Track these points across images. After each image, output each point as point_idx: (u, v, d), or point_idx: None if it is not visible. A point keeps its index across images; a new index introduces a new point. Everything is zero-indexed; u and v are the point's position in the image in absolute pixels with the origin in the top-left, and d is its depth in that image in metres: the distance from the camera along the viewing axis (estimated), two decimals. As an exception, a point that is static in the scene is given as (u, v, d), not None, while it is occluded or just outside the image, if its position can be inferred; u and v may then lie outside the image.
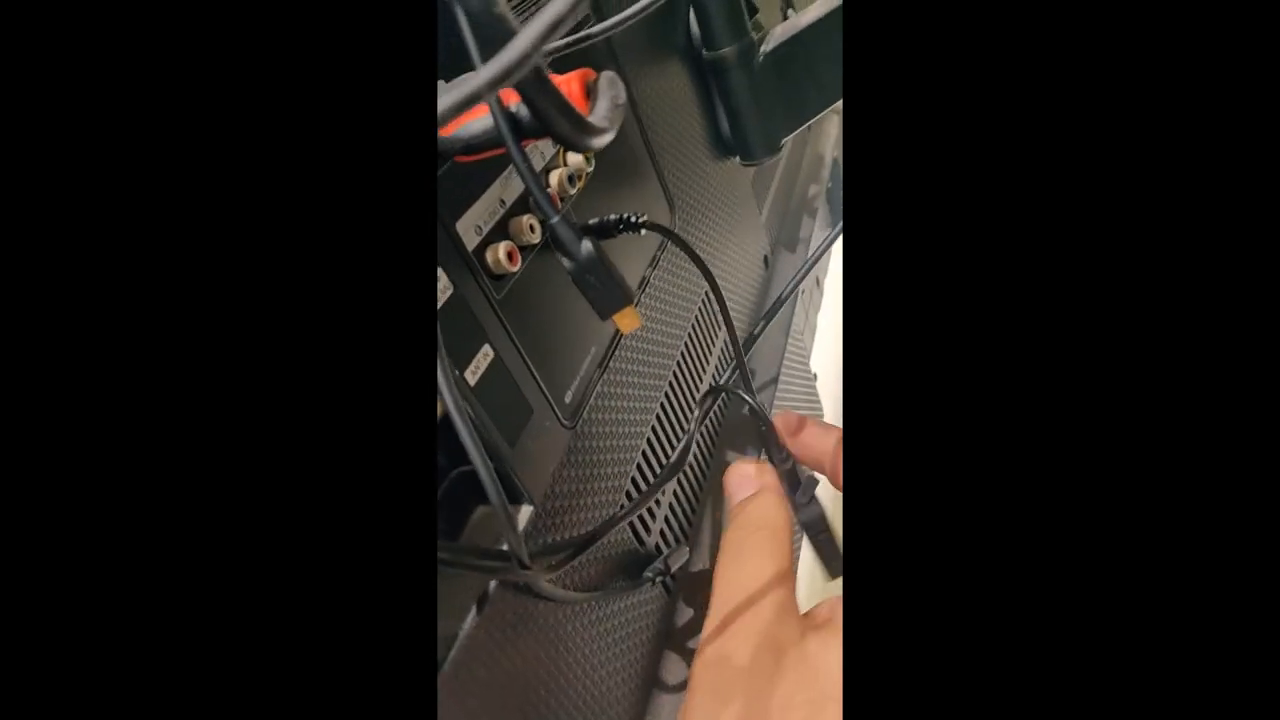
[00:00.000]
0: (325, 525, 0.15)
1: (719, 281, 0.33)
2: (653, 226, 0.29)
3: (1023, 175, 0.15)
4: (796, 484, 0.34)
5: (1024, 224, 0.15)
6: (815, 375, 0.61)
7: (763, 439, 0.33)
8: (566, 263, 0.23)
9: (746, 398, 0.30)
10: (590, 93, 0.20)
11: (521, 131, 0.21)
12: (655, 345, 0.37)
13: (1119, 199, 0.14)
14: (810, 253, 0.60)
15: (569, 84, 0.21)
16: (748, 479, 0.33)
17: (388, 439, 0.15)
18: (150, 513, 0.14)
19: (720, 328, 0.45)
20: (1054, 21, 0.15)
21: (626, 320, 0.24)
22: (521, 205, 0.28)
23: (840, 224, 0.47)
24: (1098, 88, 0.14)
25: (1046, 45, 0.15)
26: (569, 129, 0.18)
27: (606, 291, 0.23)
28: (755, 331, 0.47)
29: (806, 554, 0.37)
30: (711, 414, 0.43)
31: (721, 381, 0.40)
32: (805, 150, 0.66)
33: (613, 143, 0.21)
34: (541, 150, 0.30)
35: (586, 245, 0.23)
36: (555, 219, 0.23)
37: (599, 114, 0.19)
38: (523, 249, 0.27)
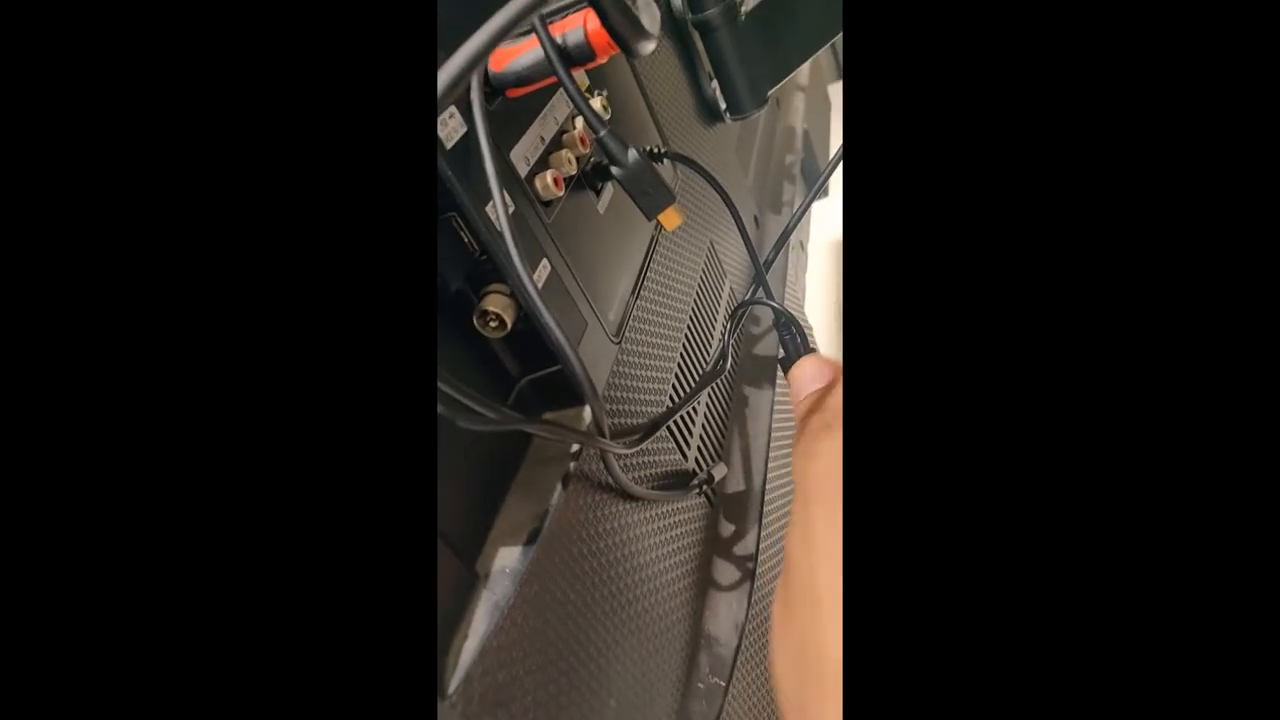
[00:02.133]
0: (325, 514, 0.14)
1: (728, 213, 0.37)
2: (674, 156, 0.32)
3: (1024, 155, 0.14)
4: None
5: (1024, 205, 0.14)
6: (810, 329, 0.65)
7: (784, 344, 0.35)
8: (616, 170, 0.27)
9: (771, 304, 0.34)
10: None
11: (570, 59, 0.25)
12: (675, 285, 0.41)
13: (1120, 195, 0.14)
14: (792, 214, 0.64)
15: None
16: (821, 371, 0.26)
17: (387, 439, 0.14)
18: (167, 479, 0.13)
19: (725, 279, 0.48)
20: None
21: (670, 218, 0.27)
22: (556, 143, 0.31)
23: (813, 191, 0.51)
24: (1095, 98, 0.14)
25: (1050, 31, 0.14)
26: (627, 28, 0.21)
27: (653, 192, 0.26)
28: (767, 258, 0.50)
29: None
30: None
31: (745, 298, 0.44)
32: (777, 124, 0.70)
33: (621, 99, 0.22)
34: (565, 103, 0.33)
35: (633, 153, 0.26)
36: (604, 132, 0.26)
37: (647, 21, 0.23)
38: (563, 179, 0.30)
